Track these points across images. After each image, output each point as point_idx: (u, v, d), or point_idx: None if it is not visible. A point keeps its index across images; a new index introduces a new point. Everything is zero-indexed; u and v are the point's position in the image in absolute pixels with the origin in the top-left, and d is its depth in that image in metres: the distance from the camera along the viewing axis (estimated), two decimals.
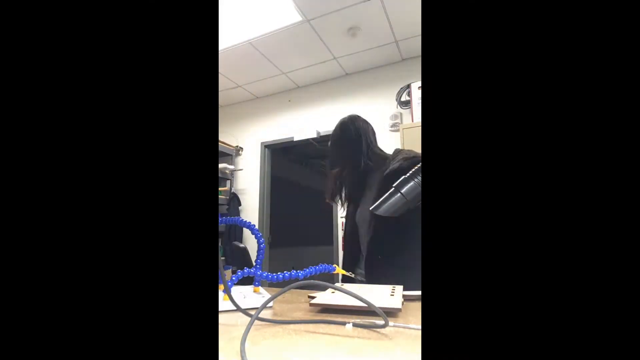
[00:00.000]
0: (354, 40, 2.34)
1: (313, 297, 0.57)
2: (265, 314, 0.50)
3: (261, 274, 0.61)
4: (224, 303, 0.57)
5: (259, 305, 0.61)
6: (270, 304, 0.58)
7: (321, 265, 0.62)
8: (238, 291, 0.66)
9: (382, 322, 0.40)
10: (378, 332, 0.40)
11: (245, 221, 0.64)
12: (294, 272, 0.60)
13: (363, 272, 0.77)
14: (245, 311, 0.45)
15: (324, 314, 0.49)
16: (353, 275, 0.64)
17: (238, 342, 0.36)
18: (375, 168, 0.87)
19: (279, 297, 0.61)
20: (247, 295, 0.62)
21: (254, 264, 0.63)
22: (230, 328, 0.43)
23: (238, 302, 0.59)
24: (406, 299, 0.51)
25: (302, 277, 0.59)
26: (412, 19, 2.12)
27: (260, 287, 0.66)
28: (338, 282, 0.74)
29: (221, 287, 0.60)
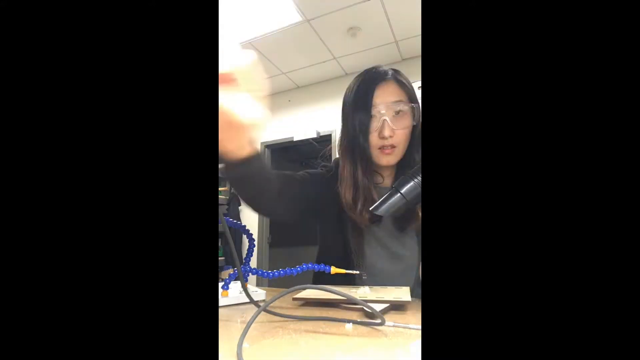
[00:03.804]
0: (354, 40, 2.35)
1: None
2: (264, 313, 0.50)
3: (256, 271, 0.61)
4: (222, 299, 0.58)
5: (255, 298, 0.61)
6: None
7: (317, 265, 0.62)
8: (235, 286, 0.68)
9: (382, 321, 0.40)
10: (378, 332, 0.40)
11: (234, 221, 0.65)
12: (288, 269, 0.61)
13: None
14: (256, 302, 0.46)
15: (323, 312, 0.49)
16: (358, 273, 0.64)
17: (236, 342, 0.36)
18: None
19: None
20: (242, 291, 0.64)
21: (244, 261, 0.64)
22: (228, 324, 0.43)
23: (235, 296, 0.59)
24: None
25: (297, 274, 0.60)
26: (412, 19, 2.12)
27: (248, 283, 0.68)
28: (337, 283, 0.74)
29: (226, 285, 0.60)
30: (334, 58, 2.56)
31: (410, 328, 0.41)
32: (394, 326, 0.41)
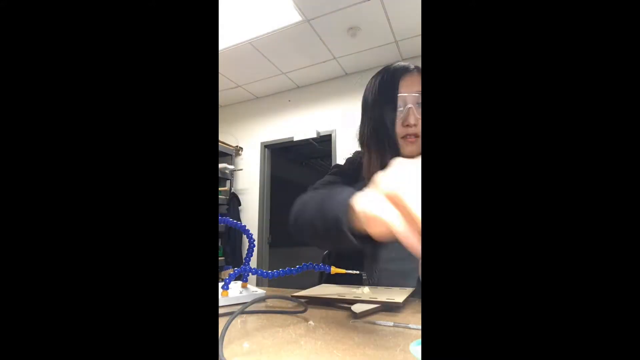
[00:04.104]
0: (354, 40, 2.35)
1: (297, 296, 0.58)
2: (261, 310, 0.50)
3: (256, 271, 0.61)
4: (222, 299, 0.58)
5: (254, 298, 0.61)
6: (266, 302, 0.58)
7: (317, 264, 0.63)
8: (235, 286, 0.67)
9: (388, 322, 0.40)
10: (378, 332, 0.40)
11: (234, 221, 0.65)
12: (288, 269, 0.61)
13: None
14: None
15: (322, 311, 0.49)
16: (358, 273, 0.64)
17: (236, 341, 0.36)
18: None
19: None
20: (243, 291, 0.64)
21: (244, 262, 0.64)
22: (228, 324, 0.43)
23: (235, 296, 0.59)
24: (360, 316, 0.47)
25: (296, 274, 0.60)
26: (412, 19, 2.12)
27: (248, 283, 0.68)
28: (337, 282, 0.73)
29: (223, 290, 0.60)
30: (334, 58, 2.56)
31: (410, 328, 0.41)
32: (394, 326, 0.41)
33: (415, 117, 0.68)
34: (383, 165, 0.69)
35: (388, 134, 0.70)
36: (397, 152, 0.71)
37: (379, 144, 0.71)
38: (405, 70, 0.72)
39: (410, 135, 0.69)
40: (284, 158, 3.79)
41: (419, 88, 0.69)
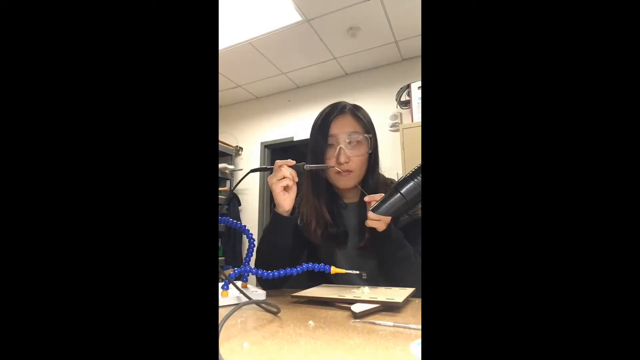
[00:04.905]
0: (354, 40, 2.34)
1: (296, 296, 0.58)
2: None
3: (256, 271, 0.61)
4: (222, 299, 0.58)
5: (255, 298, 0.61)
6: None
7: (317, 265, 0.62)
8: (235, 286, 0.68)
9: (388, 322, 0.40)
10: (378, 332, 0.40)
11: (234, 221, 0.65)
12: (288, 269, 0.61)
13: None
14: (257, 302, 0.45)
15: (322, 310, 0.49)
16: (358, 273, 0.64)
17: (236, 341, 0.36)
18: None
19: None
20: (243, 290, 0.64)
21: (244, 261, 0.64)
22: (228, 324, 0.43)
23: (235, 296, 0.59)
24: (359, 315, 0.48)
25: (296, 274, 0.60)
26: (412, 19, 2.12)
27: (248, 282, 0.68)
28: (337, 282, 0.73)
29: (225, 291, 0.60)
30: (334, 58, 2.56)
31: (410, 328, 0.41)
32: (394, 326, 0.41)
33: (345, 156, 0.75)
34: (313, 199, 0.79)
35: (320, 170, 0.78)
36: (325, 187, 0.80)
37: (314, 178, 0.80)
38: (339, 112, 0.78)
39: (343, 170, 0.76)
40: (284, 158, 3.79)
41: (351, 129, 0.77)
